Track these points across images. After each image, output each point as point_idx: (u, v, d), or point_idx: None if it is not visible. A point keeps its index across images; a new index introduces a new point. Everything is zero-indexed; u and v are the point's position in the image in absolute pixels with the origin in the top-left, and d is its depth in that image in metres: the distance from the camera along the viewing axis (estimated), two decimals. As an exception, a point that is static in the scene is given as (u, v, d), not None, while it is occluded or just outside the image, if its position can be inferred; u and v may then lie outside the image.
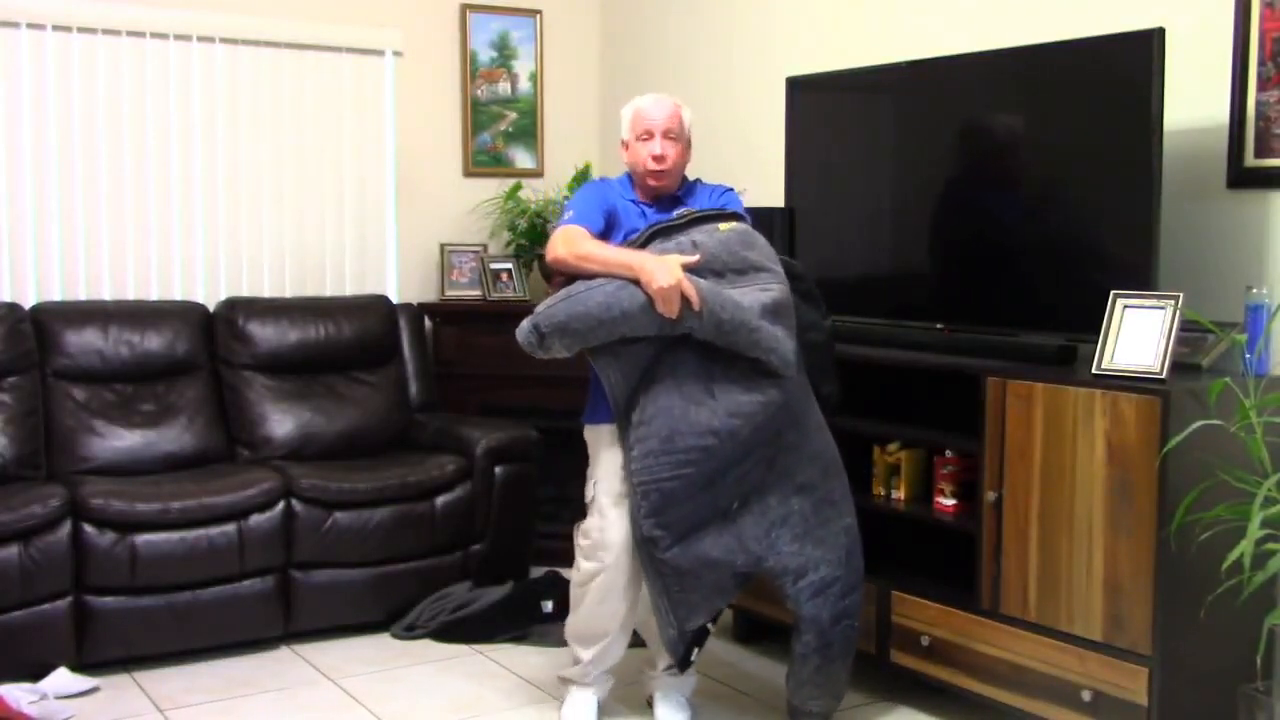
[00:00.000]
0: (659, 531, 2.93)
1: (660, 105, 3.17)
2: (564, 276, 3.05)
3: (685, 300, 2.85)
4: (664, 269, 2.85)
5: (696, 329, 2.88)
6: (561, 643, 3.78)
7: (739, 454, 2.94)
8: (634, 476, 2.94)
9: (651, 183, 3.17)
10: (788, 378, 2.94)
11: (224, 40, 4.53)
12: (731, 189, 3.29)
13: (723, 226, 3.06)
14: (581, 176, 4.84)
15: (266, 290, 4.63)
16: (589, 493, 3.17)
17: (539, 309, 2.94)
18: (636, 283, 2.88)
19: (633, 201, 3.22)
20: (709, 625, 3.14)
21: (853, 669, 3.16)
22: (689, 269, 2.90)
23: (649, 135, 3.13)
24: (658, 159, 3.12)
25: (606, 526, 3.06)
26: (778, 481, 3.01)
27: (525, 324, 2.93)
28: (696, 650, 3.15)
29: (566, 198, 4.47)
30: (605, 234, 3.11)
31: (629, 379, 2.97)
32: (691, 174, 3.33)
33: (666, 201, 3.22)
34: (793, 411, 3.00)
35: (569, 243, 3.00)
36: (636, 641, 3.30)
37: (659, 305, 2.85)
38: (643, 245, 3.02)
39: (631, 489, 2.97)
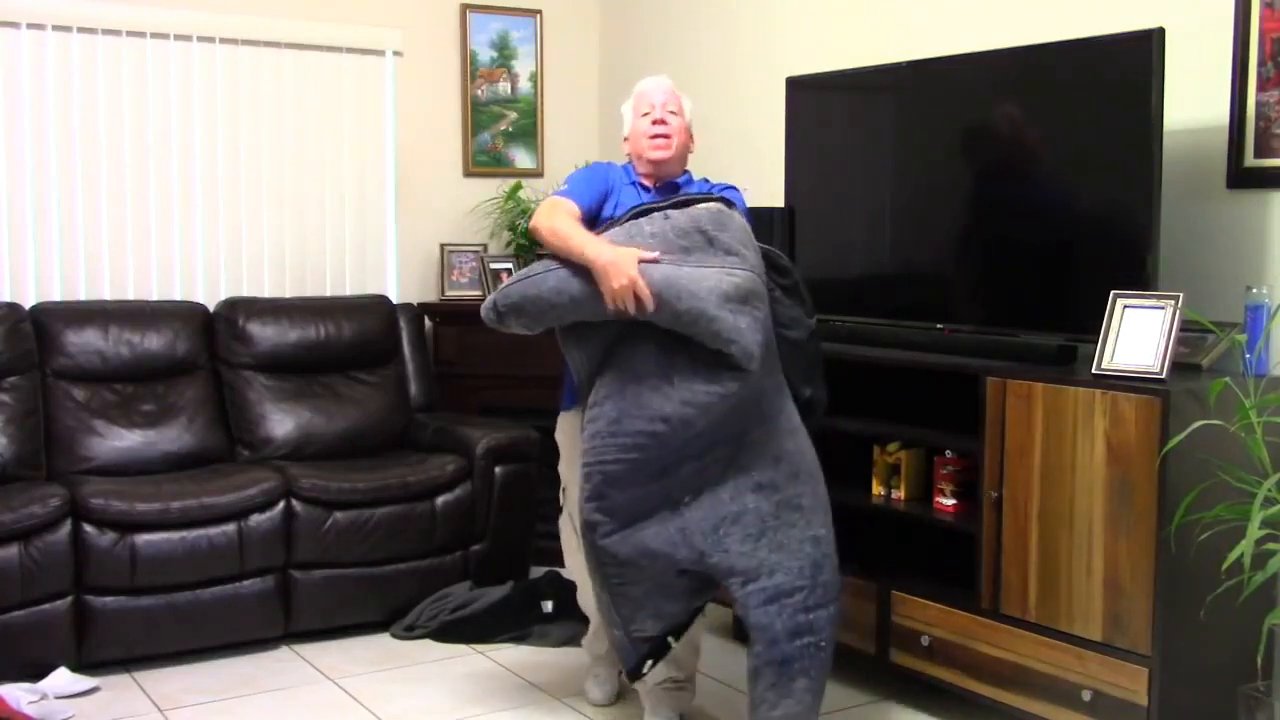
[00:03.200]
0: (599, 516, 2.81)
1: (659, 85, 3.17)
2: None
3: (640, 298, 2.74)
4: (617, 269, 2.74)
5: (655, 319, 2.76)
6: (561, 643, 3.83)
7: (695, 446, 2.81)
8: (582, 458, 2.85)
9: (654, 154, 3.11)
10: (751, 371, 2.77)
11: (224, 40, 4.54)
12: (735, 187, 3.25)
13: (702, 206, 2.95)
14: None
15: (266, 290, 4.63)
16: (561, 497, 3.29)
17: (502, 285, 2.92)
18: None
19: (633, 184, 3.17)
20: (670, 640, 2.94)
21: (823, 693, 2.85)
22: (646, 261, 2.77)
23: (650, 109, 3.12)
24: (658, 122, 3.09)
25: (577, 526, 3.12)
26: (735, 477, 2.84)
27: (487, 300, 2.92)
28: (650, 663, 2.95)
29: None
30: (597, 212, 3.08)
31: (591, 359, 2.88)
32: (692, 172, 3.32)
33: (668, 187, 3.18)
34: (761, 409, 2.86)
35: (549, 214, 2.96)
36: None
37: (609, 303, 2.77)
38: (623, 223, 2.94)
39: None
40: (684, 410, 2.76)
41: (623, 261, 2.75)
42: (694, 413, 2.76)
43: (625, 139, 3.22)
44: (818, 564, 2.83)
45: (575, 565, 3.35)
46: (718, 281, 2.75)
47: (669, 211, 2.91)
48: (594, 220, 3.04)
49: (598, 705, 3.40)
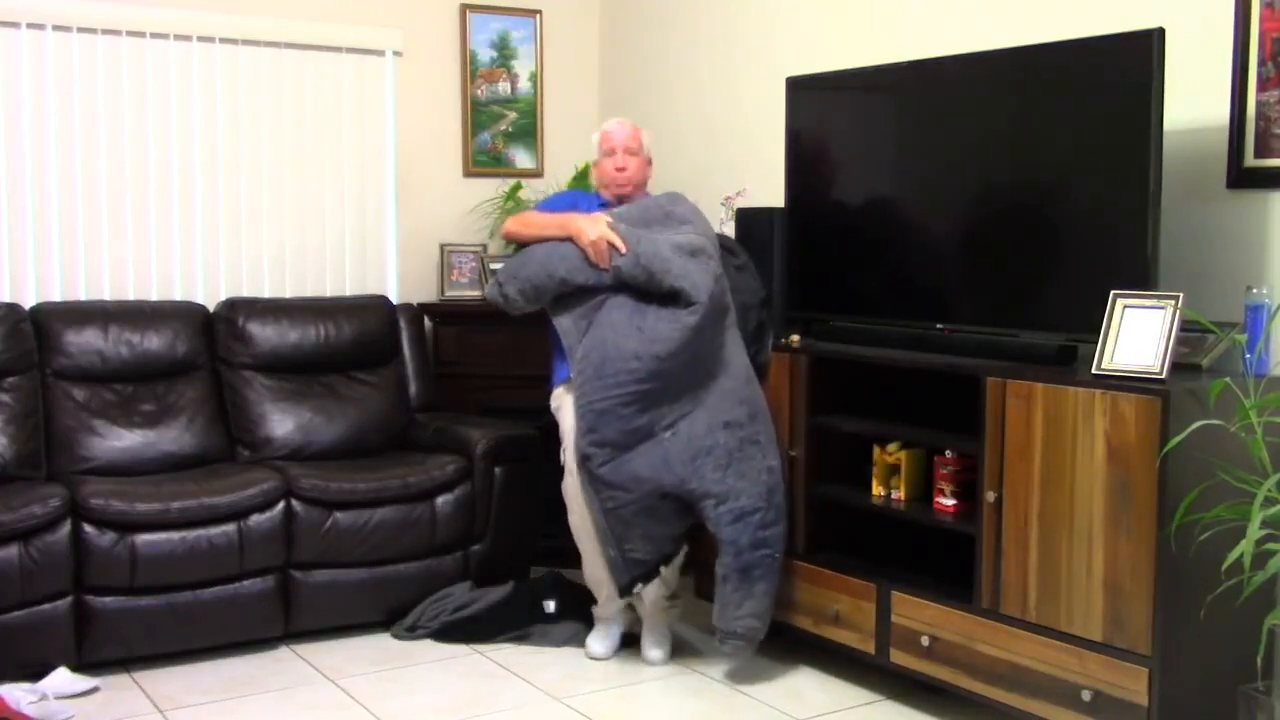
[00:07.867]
0: (593, 449, 3.43)
1: (621, 126, 3.84)
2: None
3: (614, 247, 3.46)
4: (591, 224, 3.51)
5: (623, 266, 3.45)
6: (561, 643, 3.84)
7: (672, 388, 3.42)
8: (575, 401, 3.48)
9: (615, 191, 3.78)
10: (703, 303, 3.38)
11: (224, 40, 4.54)
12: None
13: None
14: (581, 176, 4.84)
15: (266, 290, 4.63)
16: (562, 456, 3.67)
17: (499, 268, 3.66)
18: (571, 240, 3.53)
19: (602, 206, 3.77)
20: (661, 568, 3.56)
21: (776, 595, 3.48)
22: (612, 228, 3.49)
23: (612, 151, 3.79)
24: (619, 169, 3.78)
25: (578, 484, 3.57)
26: (707, 416, 3.44)
27: (490, 281, 3.63)
28: (640, 586, 3.55)
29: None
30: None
31: (578, 324, 3.54)
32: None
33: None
34: (722, 356, 3.49)
35: (518, 218, 3.78)
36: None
37: (590, 255, 3.49)
38: None
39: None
40: (653, 346, 3.40)
41: (595, 218, 3.53)
42: (661, 347, 3.39)
43: (594, 165, 3.90)
44: (772, 489, 3.44)
45: (578, 521, 3.63)
46: (670, 237, 3.50)
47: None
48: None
49: (597, 659, 3.71)
